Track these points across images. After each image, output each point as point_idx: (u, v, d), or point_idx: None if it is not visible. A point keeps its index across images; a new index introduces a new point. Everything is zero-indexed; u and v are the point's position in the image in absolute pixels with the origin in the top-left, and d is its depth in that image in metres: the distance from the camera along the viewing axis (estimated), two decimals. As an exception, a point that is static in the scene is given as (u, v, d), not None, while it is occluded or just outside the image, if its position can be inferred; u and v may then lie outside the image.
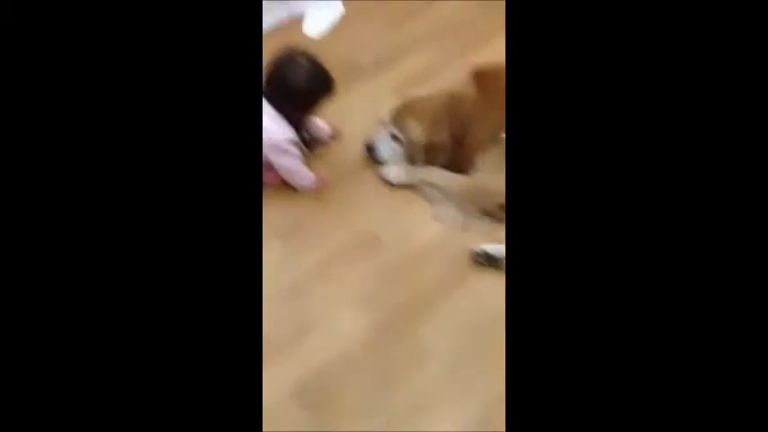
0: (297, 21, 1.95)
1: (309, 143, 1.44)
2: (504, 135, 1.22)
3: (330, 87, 1.31)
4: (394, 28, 1.89)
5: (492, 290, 1.19)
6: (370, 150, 1.41)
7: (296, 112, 1.32)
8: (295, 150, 1.35)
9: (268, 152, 1.31)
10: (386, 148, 1.38)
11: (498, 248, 1.20)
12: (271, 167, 1.36)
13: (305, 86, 1.28)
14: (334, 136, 1.51)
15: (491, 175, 1.25)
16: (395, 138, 1.37)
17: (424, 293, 1.22)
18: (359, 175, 1.43)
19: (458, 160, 1.32)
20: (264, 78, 1.29)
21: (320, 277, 1.26)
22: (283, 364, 1.12)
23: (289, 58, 1.29)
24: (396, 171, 1.38)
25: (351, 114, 1.58)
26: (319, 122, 1.47)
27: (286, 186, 1.40)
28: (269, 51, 1.45)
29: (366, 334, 1.17)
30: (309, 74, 1.28)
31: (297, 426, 1.05)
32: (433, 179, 1.33)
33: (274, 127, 1.29)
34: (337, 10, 1.98)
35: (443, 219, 1.31)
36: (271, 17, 1.91)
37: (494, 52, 1.44)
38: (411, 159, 1.37)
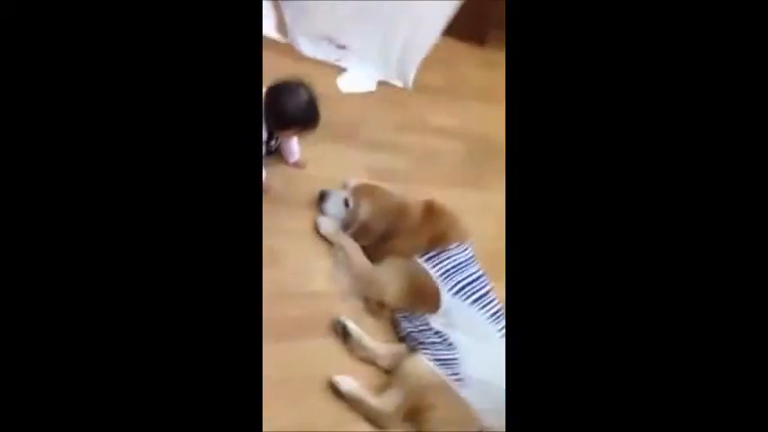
0: (336, 69, 2.25)
1: (271, 152, 1.66)
2: (416, 258, 1.50)
3: (313, 125, 1.55)
4: (401, 129, 2.24)
5: (326, 357, 1.39)
6: (322, 198, 1.64)
7: (275, 127, 1.53)
8: None
9: None
10: (334, 205, 1.62)
11: (355, 329, 1.42)
12: None
13: (295, 114, 1.49)
14: (298, 164, 1.75)
15: (387, 276, 1.50)
16: (345, 203, 1.62)
17: (278, 324, 1.39)
18: (303, 208, 1.65)
19: (373, 251, 1.57)
20: (264, 89, 1.49)
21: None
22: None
23: (295, 86, 1.50)
24: (327, 224, 1.61)
25: (328, 163, 1.83)
26: (295, 144, 1.69)
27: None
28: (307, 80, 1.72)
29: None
30: (304, 106, 1.49)
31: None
32: (349, 249, 1.56)
33: None
34: (372, 84, 2.32)
35: (335, 281, 1.53)
36: (321, 53, 2.20)
37: (457, 197, 1.78)
38: (345, 226, 1.61)
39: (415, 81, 2.43)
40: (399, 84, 2.41)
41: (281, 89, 1.50)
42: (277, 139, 1.65)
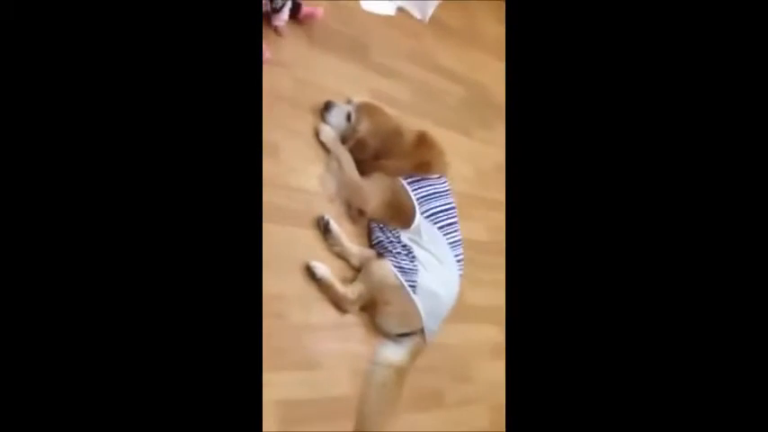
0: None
1: (275, 11, 1.71)
2: (400, 179, 1.68)
3: None
4: (410, 59, 2.32)
5: (306, 245, 1.58)
6: (327, 107, 1.76)
7: None
8: None
9: None
10: (336, 116, 1.75)
11: (336, 227, 1.62)
12: None
13: None
14: (316, 16, 1.84)
15: (372, 189, 1.68)
16: (347, 117, 1.75)
17: (267, 207, 1.56)
18: (306, 113, 1.76)
19: (364, 164, 1.73)
20: None
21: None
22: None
23: None
24: (328, 132, 1.74)
25: (337, 76, 1.93)
26: (287, 10, 1.74)
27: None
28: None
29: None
30: None
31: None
32: (342, 159, 1.72)
33: None
34: (391, 9, 2.36)
35: (324, 185, 1.70)
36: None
37: (447, 137, 1.94)
38: (343, 137, 1.76)
39: (432, 17, 2.48)
40: (417, 15, 2.45)
41: None
42: None
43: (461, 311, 1.81)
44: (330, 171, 1.71)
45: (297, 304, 1.49)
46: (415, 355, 1.60)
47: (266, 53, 1.68)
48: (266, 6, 1.68)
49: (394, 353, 1.57)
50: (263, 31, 1.74)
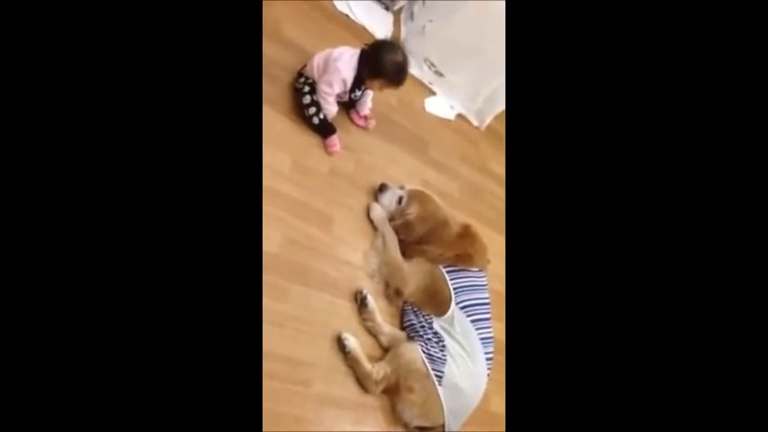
0: (428, 91, 2.53)
1: (352, 102, 1.91)
2: (440, 267, 1.73)
3: (399, 81, 1.78)
4: (462, 160, 2.49)
5: (342, 315, 1.62)
6: (381, 189, 1.89)
7: (365, 76, 1.77)
8: (338, 89, 1.77)
9: (326, 72, 1.73)
10: (388, 198, 1.87)
11: (372, 303, 1.65)
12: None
13: (388, 67, 1.72)
14: (367, 118, 2.02)
15: (413, 273, 1.72)
16: (399, 200, 1.86)
17: (315, 273, 1.62)
18: (362, 193, 1.90)
19: (408, 248, 1.80)
20: (371, 44, 1.75)
21: (278, 198, 1.67)
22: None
23: (396, 46, 1.76)
24: (378, 212, 1.85)
25: (395, 165, 2.10)
26: (369, 100, 1.94)
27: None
28: (401, 91, 2.01)
29: (269, 250, 1.55)
30: (399, 62, 1.73)
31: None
32: (388, 238, 1.79)
33: (347, 63, 1.73)
34: (452, 114, 2.59)
35: (367, 260, 1.77)
36: (419, 73, 2.48)
37: (482, 235, 2.00)
38: (392, 218, 1.85)
39: (489, 127, 2.69)
40: (475, 123, 2.67)
41: (382, 44, 1.76)
42: (362, 89, 1.86)
43: (485, 418, 1.72)
44: (375, 248, 1.79)
45: (322, 374, 1.48)
46: (430, 453, 1.51)
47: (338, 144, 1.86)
48: (345, 97, 1.89)
49: (410, 443, 1.50)
50: (342, 120, 1.94)
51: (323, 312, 1.58)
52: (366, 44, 1.80)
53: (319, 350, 1.51)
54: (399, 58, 1.75)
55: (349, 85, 1.80)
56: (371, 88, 1.87)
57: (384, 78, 1.77)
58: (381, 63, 1.73)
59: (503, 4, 2.13)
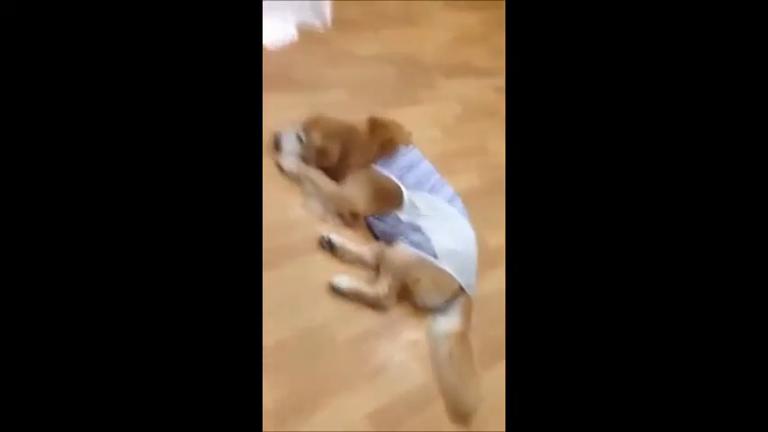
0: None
1: None
2: (372, 165, 1.70)
3: None
4: (331, 65, 2.37)
5: (321, 268, 1.61)
6: (277, 141, 1.80)
7: None
8: None
9: None
10: (288, 143, 1.78)
11: (339, 239, 1.64)
12: None
13: None
14: None
15: (353, 190, 1.70)
16: (299, 139, 1.78)
17: (273, 253, 1.59)
18: (263, 156, 1.80)
19: (335, 172, 1.76)
20: None
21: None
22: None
23: None
24: (290, 162, 1.78)
25: (272, 111, 1.97)
26: None
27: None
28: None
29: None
30: None
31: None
32: (313, 177, 1.74)
33: None
34: (292, 31, 2.41)
35: (309, 209, 1.73)
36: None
37: (394, 115, 1.96)
38: (304, 159, 1.79)
39: (333, 18, 2.53)
40: (318, 23, 2.50)
41: None
42: None
43: (490, 257, 1.81)
44: (308, 194, 1.74)
45: (339, 324, 1.50)
46: (467, 315, 1.60)
47: None
48: None
49: (447, 322, 1.57)
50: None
51: (303, 278, 1.56)
52: None
53: (323, 308, 1.52)
54: None
55: None
56: None
57: None
58: None
59: None
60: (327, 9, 2.48)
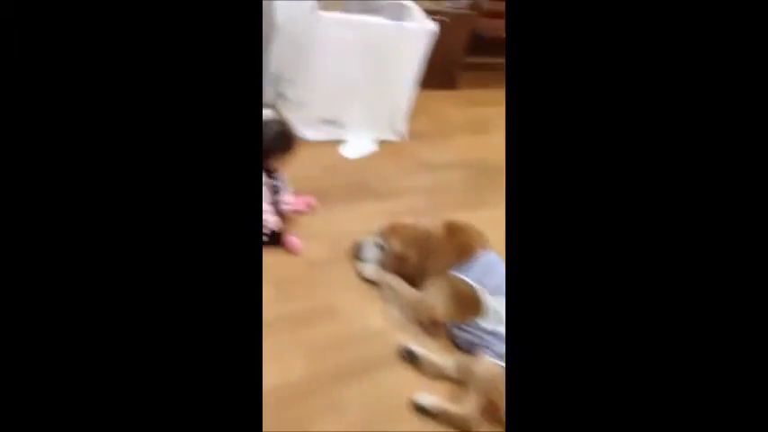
0: (341, 142, 2.57)
1: (278, 191, 1.89)
2: (451, 273, 1.67)
3: (289, 144, 1.82)
4: (407, 173, 2.50)
5: (402, 382, 1.53)
6: (357, 248, 1.86)
7: (265, 162, 1.80)
8: (263, 191, 1.78)
9: None
10: (369, 250, 1.83)
11: (420, 350, 1.57)
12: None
13: (270, 143, 1.76)
14: (308, 201, 2.02)
15: (433, 296, 1.67)
16: (378, 246, 1.83)
17: (353, 365, 1.55)
18: (344, 262, 1.86)
19: (414, 278, 1.75)
20: None
21: (282, 322, 1.60)
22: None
23: (264, 123, 1.77)
24: (370, 269, 1.81)
25: (353, 219, 2.08)
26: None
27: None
28: (317, 159, 2.03)
29: (299, 379, 1.47)
30: (273, 132, 1.78)
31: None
32: (393, 284, 1.74)
33: None
34: (372, 145, 2.61)
35: (389, 316, 1.70)
36: (320, 134, 2.53)
37: (468, 218, 1.97)
38: (383, 265, 1.81)
39: (408, 131, 2.72)
40: (396, 137, 2.70)
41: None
42: (273, 175, 1.86)
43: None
44: (387, 301, 1.73)
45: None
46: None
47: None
48: (272, 195, 1.88)
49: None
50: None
51: (385, 394, 1.49)
52: None
53: (404, 426, 1.41)
54: (274, 127, 1.82)
55: (267, 179, 1.82)
56: (278, 168, 1.89)
57: (274, 152, 1.81)
58: (264, 143, 1.74)
59: (338, 31, 2.24)
60: (404, 124, 2.68)
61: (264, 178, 1.81)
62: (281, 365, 1.48)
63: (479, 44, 3.18)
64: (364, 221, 2.04)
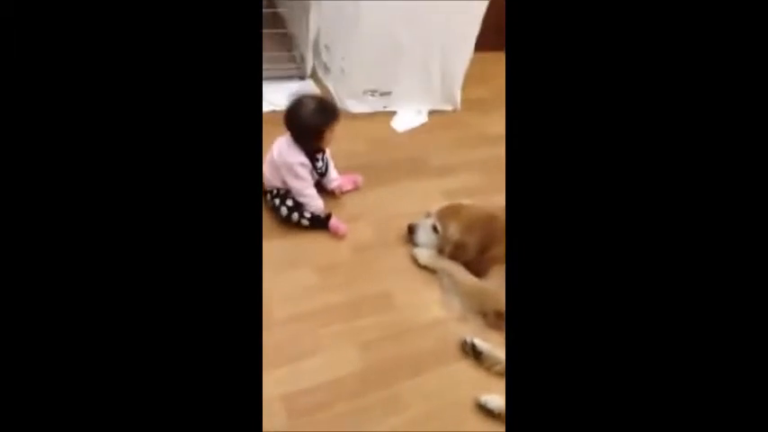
0: (389, 113, 2.39)
1: (324, 172, 1.77)
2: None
3: (333, 117, 1.63)
4: (463, 147, 2.29)
5: (464, 378, 1.39)
6: (411, 231, 1.71)
7: (309, 142, 1.64)
8: (306, 174, 1.66)
9: (284, 173, 1.63)
10: (424, 234, 1.68)
11: (485, 345, 1.42)
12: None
13: (310, 117, 1.59)
14: (356, 181, 1.89)
15: (497, 286, 1.50)
16: (434, 229, 1.67)
17: (411, 358, 1.43)
18: (396, 246, 1.73)
19: (476, 265, 1.58)
20: (284, 117, 1.63)
21: (332, 311, 1.50)
22: (274, 374, 1.30)
23: (300, 98, 1.63)
24: (426, 254, 1.66)
25: (403, 199, 1.92)
26: (332, 170, 1.79)
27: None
28: (363, 133, 1.86)
29: (355, 372, 1.38)
30: (315, 107, 1.60)
31: (276, 422, 1.24)
32: (452, 271, 1.59)
33: (289, 150, 1.62)
34: (424, 117, 2.42)
35: (448, 306, 1.56)
36: (368, 106, 2.36)
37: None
38: (440, 250, 1.65)
39: (463, 100, 2.49)
40: (449, 107, 2.48)
41: (289, 109, 1.62)
42: (321, 156, 1.73)
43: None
44: (446, 290, 1.58)
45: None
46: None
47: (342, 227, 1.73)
48: (316, 176, 1.76)
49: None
50: (329, 202, 1.81)
51: (448, 391, 1.36)
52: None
53: (470, 428, 1.29)
54: (311, 103, 1.63)
55: (308, 162, 1.69)
56: (325, 146, 1.73)
57: (319, 129, 1.63)
58: (305, 121, 1.61)
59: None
60: (457, 93, 2.46)
61: (306, 161, 1.68)
62: (333, 358, 1.39)
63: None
64: (416, 201, 1.88)
